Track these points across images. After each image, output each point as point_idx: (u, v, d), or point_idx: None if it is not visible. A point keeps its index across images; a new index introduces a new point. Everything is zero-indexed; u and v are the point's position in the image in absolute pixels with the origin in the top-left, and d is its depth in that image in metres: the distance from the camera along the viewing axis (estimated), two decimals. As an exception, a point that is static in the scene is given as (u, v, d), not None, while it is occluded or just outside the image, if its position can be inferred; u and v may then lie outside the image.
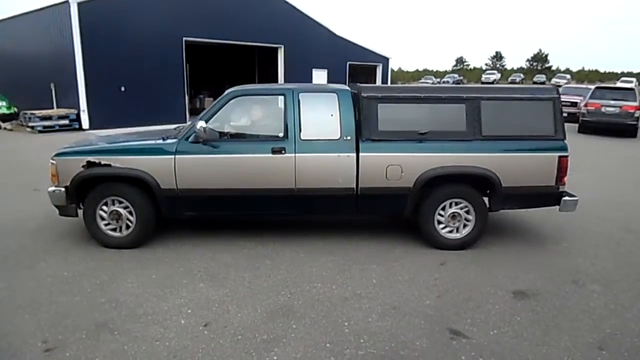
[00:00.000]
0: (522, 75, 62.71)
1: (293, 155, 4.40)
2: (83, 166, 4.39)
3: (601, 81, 49.71)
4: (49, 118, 13.71)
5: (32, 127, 13.49)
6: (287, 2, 19.45)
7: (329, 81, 21.54)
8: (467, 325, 3.22)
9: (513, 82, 58.97)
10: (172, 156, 4.39)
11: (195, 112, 18.33)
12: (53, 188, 4.47)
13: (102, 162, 4.40)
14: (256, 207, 4.66)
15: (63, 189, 4.43)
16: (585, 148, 11.29)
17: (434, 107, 4.62)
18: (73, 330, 3.09)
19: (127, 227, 4.54)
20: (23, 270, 4.04)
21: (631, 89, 17.37)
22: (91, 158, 4.42)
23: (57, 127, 13.65)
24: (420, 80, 57.58)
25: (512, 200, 4.64)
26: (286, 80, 19.99)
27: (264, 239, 4.78)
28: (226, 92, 4.75)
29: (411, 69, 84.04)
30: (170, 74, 15.73)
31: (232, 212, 4.89)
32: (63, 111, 14.06)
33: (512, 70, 72.63)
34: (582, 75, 66.03)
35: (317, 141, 4.45)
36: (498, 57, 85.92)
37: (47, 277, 3.88)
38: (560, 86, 31.76)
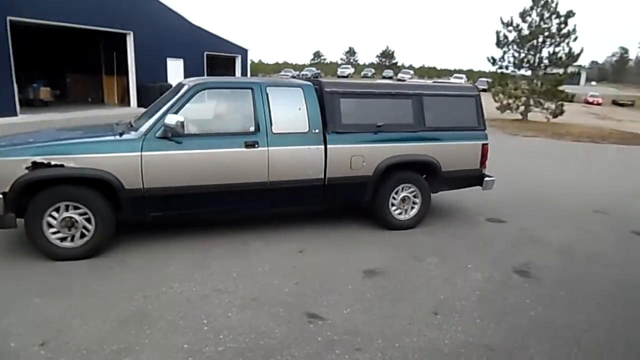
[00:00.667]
0: (373, 70, 67.66)
1: (266, 148, 4.43)
2: (27, 167, 3.71)
3: (438, 77, 56.14)
4: None
5: None
6: (133, -15, 18.06)
7: (185, 72, 20.66)
8: (323, 307, 3.39)
9: (365, 76, 63.35)
10: (139, 153, 4.01)
11: (29, 103, 16.05)
12: None
13: (53, 163, 3.76)
14: (228, 202, 4.56)
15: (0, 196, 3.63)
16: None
17: (387, 102, 5.17)
18: None
19: (83, 235, 3.95)
20: None
21: (459, 85, 19.88)
22: (38, 158, 3.74)
23: None
24: (280, 73, 58.43)
25: (449, 182, 5.44)
26: (138, 70, 18.61)
27: (113, 242, 4.41)
28: (186, 85, 4.45)
29: (271, 61, 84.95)
30: (-8, 59, 13.48)
31: (203, 210, 4.65)
32: None
33: (365, 65, 77.93)
34: (423, 71, 73.71)
35: (288, 134, 4.56)
36: (351, 52, 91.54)
37: None
38: (404, 81, 34.91)
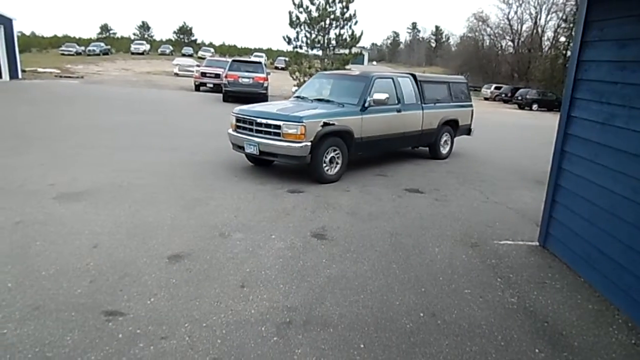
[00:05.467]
0: (171, 47, 64.07)
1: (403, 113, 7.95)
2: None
3: (239, 55, 56.30)
4: None
5: None
6: None
7: None
8: (123, 302, 3.16)
9: (163, 53, 59.62)
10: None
11: None
12: None
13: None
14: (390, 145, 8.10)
15: None
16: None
17: (437, 86, 9.21)
18: None
19: None
20: None
21: (259, 62, 20.41)
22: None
23: None
24: (61, 48, 50.86)
25: (461, 132, 9.76)
26: None
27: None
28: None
29: (48, 34, 73.14)
30: None
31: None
32: None
33: (161, 42, 73.21)
34: (223, 49, 72.78)
35: (410, 104, 8.18)
36: (145, 27, 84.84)
37: None
38: (205, 58, 34.00)
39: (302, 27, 23.09)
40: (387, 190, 6.60)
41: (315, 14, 22.64)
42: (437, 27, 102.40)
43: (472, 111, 10.05)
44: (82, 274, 3.53)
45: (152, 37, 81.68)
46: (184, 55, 55.11)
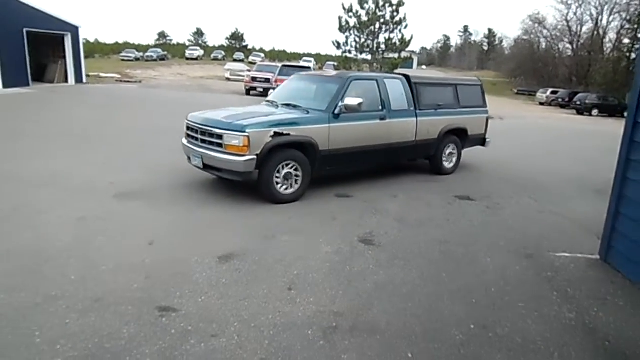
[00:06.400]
0: (223, 53, 66.02)
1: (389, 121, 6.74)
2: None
3: (288, 60, 57.23)
4: None
5: None
6: None
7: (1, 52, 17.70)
8: (176, 299, 3.27)
9: (215, 58, 61.58)
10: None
11: None
12: None
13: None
14: (368, 159, 6.81)
15: None
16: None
17: (442, 90, 7.94)
18: None
19: None
20: None
21: (309, 67, 20.68)
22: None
23: None
24: (122, 54, 53.59)
25: (471, 142, 8.29)
26: None
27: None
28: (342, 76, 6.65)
29: (110, 40, 77.32)
30: None
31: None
32: None
33: (214, 48, 75.59)
34: (273, 54, 74.21)
35: (399, 111, 6.92)
36: (200, 33, 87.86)
37: None
38: (255, 63, 34.89)
39: (352, 31, 23.17)
40: (437, 196, 6.46)
41: (365, 18, 22.66)
42: (489, 30, 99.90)
43: (487, 119, 8.54)
44: (139, 269, 3.68)
45: (205, 43, 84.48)
46: (235, 60, 56.69)
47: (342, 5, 22.75)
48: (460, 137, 7.93)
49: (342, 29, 23.14)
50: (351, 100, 5.96)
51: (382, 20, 22.56)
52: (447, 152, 7.76)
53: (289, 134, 5.52)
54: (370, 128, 6.43)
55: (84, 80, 24.61)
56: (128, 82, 29.33)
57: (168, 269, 3.72)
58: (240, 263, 3.92)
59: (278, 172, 5.52)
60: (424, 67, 79.24)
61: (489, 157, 9.35)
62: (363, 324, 3.11)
